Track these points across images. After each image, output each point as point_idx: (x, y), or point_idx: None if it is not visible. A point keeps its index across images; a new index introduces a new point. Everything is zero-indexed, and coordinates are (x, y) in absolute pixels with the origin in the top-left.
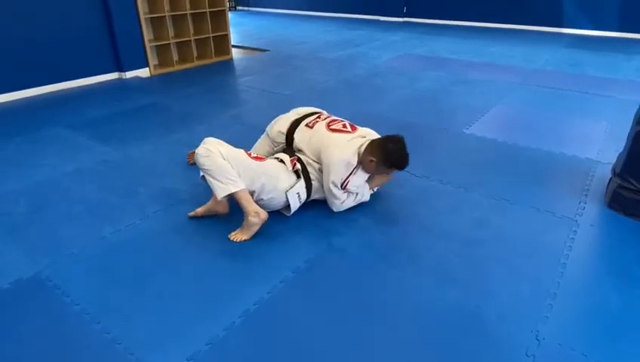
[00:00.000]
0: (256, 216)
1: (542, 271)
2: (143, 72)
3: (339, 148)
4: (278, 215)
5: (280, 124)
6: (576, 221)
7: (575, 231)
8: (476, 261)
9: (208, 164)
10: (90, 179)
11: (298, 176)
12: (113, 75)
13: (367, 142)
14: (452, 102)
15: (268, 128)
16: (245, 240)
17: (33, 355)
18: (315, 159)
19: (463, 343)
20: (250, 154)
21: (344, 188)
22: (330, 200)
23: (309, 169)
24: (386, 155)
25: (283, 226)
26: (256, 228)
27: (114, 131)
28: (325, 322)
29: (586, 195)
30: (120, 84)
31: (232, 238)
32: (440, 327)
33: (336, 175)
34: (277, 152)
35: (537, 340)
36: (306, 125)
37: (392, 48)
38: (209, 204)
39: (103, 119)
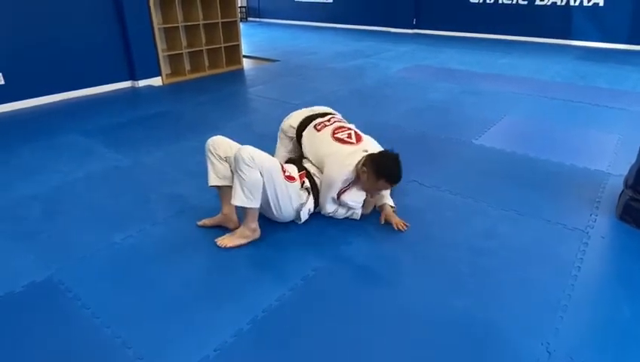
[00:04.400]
0: (251, 233)
1: (552, 283)
2: (156, 81)
3: (339, 163)
4: (288, 222)
5: (292, 120)
6: (587, 233)
7: (586, 243)
8: (486, 271)
9: (247, 174)
10: (102, 185)
11: (309, 193)
12: (126, 84)
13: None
14: (462, 113)
15: (282, 123)
16: (229, 247)
17: (44, 358)
18: (317, 167)
19: (471, 354)
20: (284, 171)
21: (338, 199)
22: (321, 207)
23: (317, 181)
24: (378, 165)
25: (293, 234)
26: (244, 242)
27: (126, 138)
28: (333, 331)
29: (597, 207)
30: (133, 93)
31: (218, 243)
32: (448, 337)
33: (334, 191)
34: (290, 152)
35: (548, 352)
36: (314, 127)
37: (401, 59)
38: (219, 218)
39: (116, 126)
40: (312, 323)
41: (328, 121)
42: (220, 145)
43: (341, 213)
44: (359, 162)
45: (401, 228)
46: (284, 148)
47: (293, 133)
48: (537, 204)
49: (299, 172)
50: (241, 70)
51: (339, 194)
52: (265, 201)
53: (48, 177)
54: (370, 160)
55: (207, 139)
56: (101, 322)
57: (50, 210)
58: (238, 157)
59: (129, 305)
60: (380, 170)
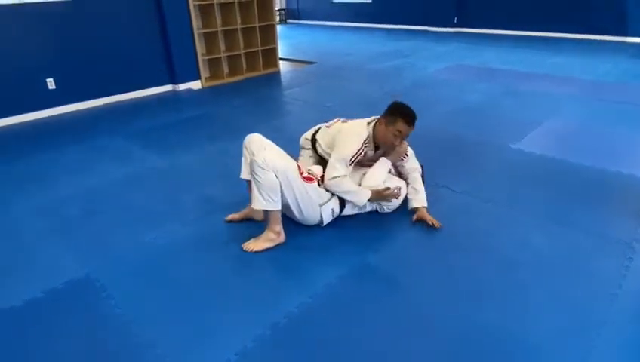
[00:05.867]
0: (276, 235)
1: (589, 301)
2: (195, 85)
3: (350, 125)
4: (314, 227)
5: (306, 134)
6: (633, 246)
7: (631, 257)
8: (516, 285)
9: (262, 176)
10: (138, 186)
11: (332, 194)
12: (168, 88)
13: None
14: (501, 116)
15: (300, 141)
16: (255, 252)
17: (77, 354)
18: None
19: None
20: (302, 173)
21: (351, 165)
22: (328, 170)
23: None
24: (392, 110)
25: (318, 240)
26: (270, 245)
27: (164, 141)
28: (352, 340)
29: None
30: (173, 96)
31: (244, 247)
32: (473, 353)
33: (345, 148)
34: (314, 163)
35: None
36: (326, 126)
37: (440, 59)
38: (246, 211)
39: (155, 129)
40: (332, 332)
41: (337, 120)
42: (254, 142)
43: (344, 185)
44: (370, 121)
45: (436, 225)
46: (307, 164)
47: (309, 145)
48: (577, 213)
49: (324, 172)
50: (278, 73)
51: (352, 161)
52: (286, 204)
53: (89, 178)
54: (385, 112)
55: (240, 141)
56: (131, 321)
57: (89, 209)
58: (252, 161)
59: (157, 304)
60: (395, 111)
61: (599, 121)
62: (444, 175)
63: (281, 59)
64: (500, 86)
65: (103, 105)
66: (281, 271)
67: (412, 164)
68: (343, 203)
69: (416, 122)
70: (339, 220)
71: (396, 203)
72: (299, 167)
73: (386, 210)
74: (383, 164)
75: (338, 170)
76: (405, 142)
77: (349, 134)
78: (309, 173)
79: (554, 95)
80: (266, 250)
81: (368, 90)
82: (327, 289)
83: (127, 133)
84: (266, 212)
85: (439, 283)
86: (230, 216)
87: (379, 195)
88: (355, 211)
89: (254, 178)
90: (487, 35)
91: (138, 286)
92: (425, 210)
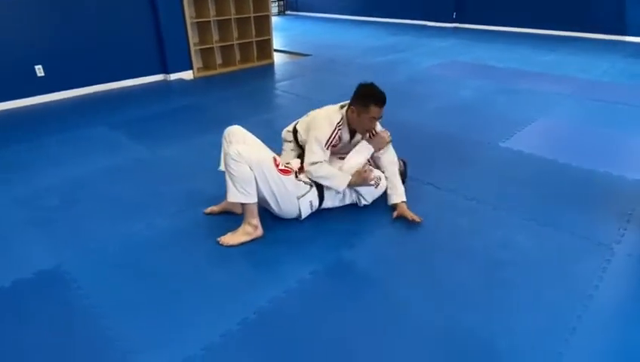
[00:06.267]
0: (253, 229)
1: (565, 302)
2: (187, 75)
3: (323, 110)
4: (292, 221)
5: (288, 127)
6: (612, 249)
7: (609, 259)
8: (496, 285)
9: (235, 169)
10: (121, 177)
11: (311, 185)
12: (158, 77)
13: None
14: (492, 113)
15: (282, 134)
16: (231, 246)
17: (40, 347)
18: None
19: None
20: (277, 165)
21: (327, 148)
22: (307, 155)
23: None
24: (360, 96)
25: (296, 234)
26: (246, 239)
27: (150, 131)
28: (324, 340)
29: (628, 221)
30: (164, 86)
31: (220, 241)
32: (448, 353)
33: (318, 130)
34: (295, 157)
35: None
36: (305, 116)
37: (436, 54)
38: (224, 204)
39: (143, 119)
40: (303, 329)
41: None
42: (235, 134)
43: (323, 170)
44: (343, 104)
45: (416, 220)
46: (288, 158)
47: (291, 138)
48: (562, 214)
49: (300, 164)
50: (272, 65)
51: (327, 144)
52: (263, 197)
53: (72, 168)
54: (352, 98)
55: None
56: (98, 313)
57: (68, 200)
58: (226, 154)
59: (128, 297)
60: (364, 97)
61: (592, 121)
62: (429, 172)
63: (276, 50)
64: (493, 83)
65: (93, 93)
66: (254, 266)
67: (390, 157)
68: (322, 195)
69: (409, 118)
70: (318, 213)
71: (375, 193)
72: (275, 160)
73: (364, 202)
74: (365, 149)
75: (316, 153)
76: (384, 131)
77: (321, 119)
78: (286, 166)
79: (548, 93)
80: (243, 243)
81: None
82: (300, 285)
83: (115, 123)
84: (243, 205)
85: (419, 281)
86: (209, 209)
87: (359, 177)
88: (336, 204)
89: (228, 170)
90: (485, 32)
91: (110, 278)
92: (405, 205)
